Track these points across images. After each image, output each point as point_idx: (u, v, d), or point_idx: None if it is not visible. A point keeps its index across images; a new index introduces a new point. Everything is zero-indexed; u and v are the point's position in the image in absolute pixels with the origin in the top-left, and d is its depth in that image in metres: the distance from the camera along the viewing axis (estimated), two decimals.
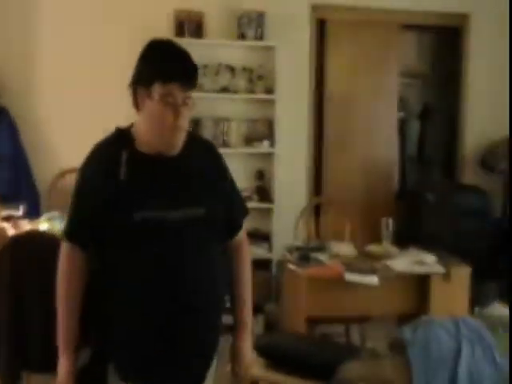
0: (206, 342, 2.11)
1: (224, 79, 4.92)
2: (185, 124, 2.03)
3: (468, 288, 3.83)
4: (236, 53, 5.02)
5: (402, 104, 5.62)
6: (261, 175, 5.10)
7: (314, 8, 5.16)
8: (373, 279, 3.64)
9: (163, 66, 2.00)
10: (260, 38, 4.93)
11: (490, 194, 5.11)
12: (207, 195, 2.11)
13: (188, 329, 2.04)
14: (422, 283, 3.81)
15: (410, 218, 4.66)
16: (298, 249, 4.00)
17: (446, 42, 5.73)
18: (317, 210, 4.71)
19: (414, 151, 6.01)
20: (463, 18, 5.39)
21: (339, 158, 5.20)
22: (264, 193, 5.04)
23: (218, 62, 4.93)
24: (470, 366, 2.13)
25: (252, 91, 4.96)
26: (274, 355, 2.94)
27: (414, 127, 6.04)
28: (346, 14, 5.20)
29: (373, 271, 3.68)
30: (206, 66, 4.85)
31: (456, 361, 2.12)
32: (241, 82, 4.94)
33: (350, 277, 3.63)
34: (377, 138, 5.28)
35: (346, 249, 3.96)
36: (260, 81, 4.97)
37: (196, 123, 4.84)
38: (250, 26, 4.90)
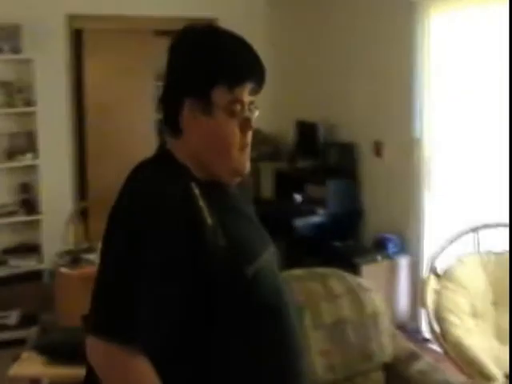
0: None
1: None
2: (250, 139, 1.50)
3: None
4: None
5: (159, 106, 5.95)
6: (25, 188, 5.12)
7: (71, 18, 5.22)
8: None
9: (226, 64, 1.43)
10: (17, 51, 4.92)
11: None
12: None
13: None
14: None
15: None
16: (68, 253, 4.20)
17: None
18: (85, 215, 4.92)
19: None
20: (211, 23, 5.60)
21: (103, 162, 5.38)
22: (30, 205, 5.07)
23: None
24: None
25: (12, 105, 4.98)
26: (51, 351, 3.05)
27: None
28: (102, 24, 5.34)
29: None
30: None
31: None
32: None
33: None
34: (136, 139, 5.50)
35: None
36: (19, 94, 4.99)
37: None
38: (5, 39, 4.88)
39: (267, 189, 5.81)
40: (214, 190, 1.47)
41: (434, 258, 3.85)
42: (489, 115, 4.13)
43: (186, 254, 1.34)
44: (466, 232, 3.87)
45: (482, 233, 3.85)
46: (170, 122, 1.48)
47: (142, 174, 1.47)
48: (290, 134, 5.67)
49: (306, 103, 5.64)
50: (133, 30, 5.52)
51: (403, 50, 4.58)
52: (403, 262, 4.77)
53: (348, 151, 5.20)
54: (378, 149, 5.01)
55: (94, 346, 1.33)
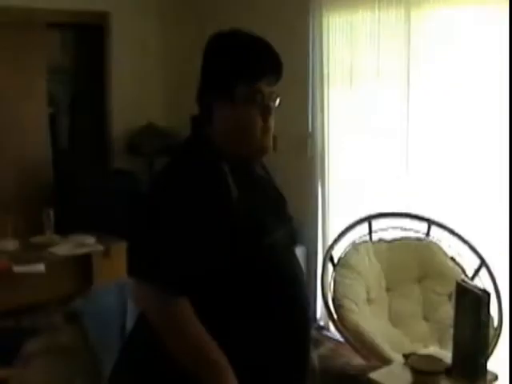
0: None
1: None
2: (273, 123, 1.77)
3: (125, 258, 4.31)
4: None
5: (51, 100, 5.67)
6: None
7: None
8: (40, 267, 3.90)
9: (246, 64, 1.70)
10: None
11: (138, 176, 5.50)
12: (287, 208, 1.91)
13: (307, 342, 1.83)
14: (85, 263, 4.15)
15: (69, 206, 4.81)
16: None
17: (90, 39, 5.88)
18: None
19: (66, 144, 6.07)
20: (104, 16, 5.61)
21: None
22: None
23: None
24: (134, 314, 2.55)
25: None
26: None
27: (65, 121, 6.10)
28: None
29: (39, 260, 3.93)
30: None
31: (124, 315, 2.50)
32: None
33: (18, 268, 3.82)
34: (29, 136, 5.30)
35: (10, 244, 4.12)
36: None
37: None
38: None
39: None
40: (241, 170, 1.74)
41: (329, 247, 3.87)
42: (384, 111, 4.18)
43: (216, 216, 1.61)
44: (360, 221, 3.90)
45: (375, 222, 3.89)
46: (205, 114, 1.75)
47: (185, 153, 1.77)
48: (185, 129, 5.50)
49: None
50: (21, 22, 5.20)
51: (299, 45, 4.59)
52: (299, 252, 4.74)
53: None
54: (274, 142, 4.96)
55: (140, 292, 1.67)
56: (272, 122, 1.77)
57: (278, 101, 1.76)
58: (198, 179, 1.65)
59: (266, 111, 1.73)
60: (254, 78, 1.69)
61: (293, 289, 1.76)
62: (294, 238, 1.88)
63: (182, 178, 1.66)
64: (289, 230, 1.84)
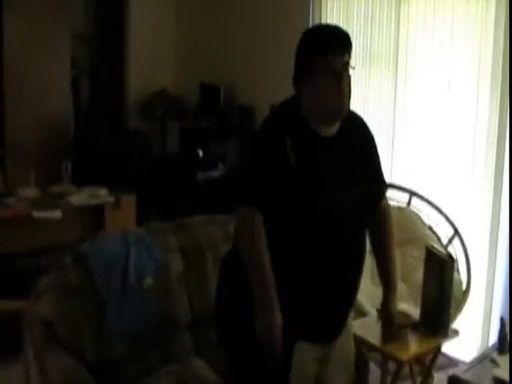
0: (353, 297, 2.14)
1: None
2: (347, 88, 1.97)
3: (134, 211, 4.35)
4: None
5: (74, 64, 5.70)
6: None
7: None
8: (57, 213, 3.97)
9: (320, 42, 1.97)
10: None
11: (150, 137, 5.60)
12: (367, 174, 2.09)
13: (344, 290, 2.05)
14: (98, 212, 4.21)
15: (86, 161, 4.88)
16: None
17: (111, 9, 5.90)
18: (2, 162, 4.73)
19: (87, 104, 6.14)
20: None
21: (19, 113, 5.07)
22: None
23: None
24: (136, 262, 2.55)
25: None
26: None
27: (85, 84, 6.17)
28: None
29: (56, 207, 3.99)
30: None
31: (126, 259, 2.54)
32: None
33: (37, 214, 3.89)
34: (52, 95, 5.31)
35: (31, 192, 4.16)
36: None
37: None
38: None
39: (173, 145, 5.71)
40: (315, 140, 1.98)
41: None
42: (374, 91, 4.23)
43: (278, 171, 1.91)
44: None
45: None
46: (295, 85, 2.03)
47: (277, 112, 2.09)
48: (194, 96, 5.56)
49: (211, 68, 5.56)
50: None
51: (299, 23, 4.54)
52: None
53: (247, 113, 5.19)
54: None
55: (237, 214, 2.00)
56: (346, 86, 1.96)
57: (351, 70, 1.98)
58: (266, 148, 1.97)
59: (337, 77, 1.94)
60: (325, 51, 1.94)
61: (327, 247, 1.97)
62: (364, 198, 2.04)
63: (258, 145, 2.03)
64: (358, 192, 2.01)
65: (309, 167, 1.94)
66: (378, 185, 2.19)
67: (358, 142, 2.09)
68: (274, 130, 2.00)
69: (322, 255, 1.96)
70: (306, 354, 2.01)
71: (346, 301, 2.10)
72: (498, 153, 3.56)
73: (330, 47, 1.96)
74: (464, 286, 3.43)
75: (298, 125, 1.98)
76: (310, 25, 4.53)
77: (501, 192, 3.57)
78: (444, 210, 3.69)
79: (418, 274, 3.62)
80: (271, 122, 2.06)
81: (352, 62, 1.99)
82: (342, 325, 2.12)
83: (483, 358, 2.54)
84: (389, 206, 2.29)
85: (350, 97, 1.99)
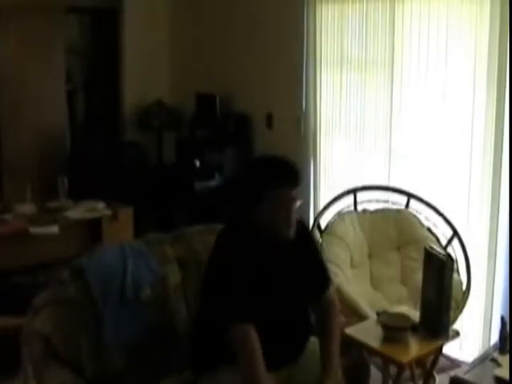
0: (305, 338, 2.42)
1: None
2: (294, 217, 2.21)
3: (132, 223, 4.36)
4: None
5: (69, 78, 5.75)
6: None
7: None
8: (54, 229, 3.97)
9: (270, 176, 2.19)
10: None
11: (147, 148, 5.62)
12: (311, 275, 2.37)
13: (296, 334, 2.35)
14: (95, 226, 4.22)
15: (83, 174, 4.92)
16: None
17: (105, 22, 5.97)
18: None
19: (83, 118, 6.18)
20: (118, 1, 5.69)
21: (16, 128, 5.12)
22: None
23: None
24: (133, 274, 2.55)
25: None
26: None
27: (81, 97, 6.22)
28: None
29: (53, 222, 3.99)
30: None
31: (124, 272, 2.54)
32: None
33: (34, 230, 3.89)
34: (48, 110, 5.35)
35: (28, 208, 4.16)
36: None
37: None
38: None
39: (170, 155, 5.71)
40: (271, 247, 2.25)
41: (317, 216, 3.90)
42: (370, 95, 4.23)
43: (248, 276, 2.17)
44: (346, 193, 3.93)
45: (360, 194, 3.93)
46: (244, 212, 2.30)
47: (230, 236, 2.32)
48: (190, 106, 5.58)
49: (206, 78, 5.59)
50: (46, 6, 5.20)
51: (296, 32, 4.61)
52: None
53: (243, 122, 5.20)
54: (269, 121, 5.02)
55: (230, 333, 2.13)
56: (293, 216, 2.20)
57: (298, 203, 2.21)
58: (239, 249, 2.21)
59: (286, 209, 2.18)
60: (276, 186, 2.16)
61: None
62: (309, 298, 2.38)
63: (228, 248, 2.26)
64: (304, 291, 2.32)
65: (271, 270, 2.21)
66: (322, 279, 2.45)
67: (301, 248, 2.34)
68: (231, 248, 2.23)
69: (277, 322, 2.23)
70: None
71: (300, 337, 2.38)
72: (495, 151, 3.55)
73: (281, 182, 2.17)
74: (464, 287, 3.43)
75: (250, 239, 2.22)
76: (305, 34, 4.56)
77: (499, 191, 3.56)
78: (442, 211, 3.69)
79: (418, 276, 3.59)
80: (226, 242, 2.29)
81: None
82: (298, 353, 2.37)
83: (484, 358, 2.53)
84: (333, 297, 2.53)
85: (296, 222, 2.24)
